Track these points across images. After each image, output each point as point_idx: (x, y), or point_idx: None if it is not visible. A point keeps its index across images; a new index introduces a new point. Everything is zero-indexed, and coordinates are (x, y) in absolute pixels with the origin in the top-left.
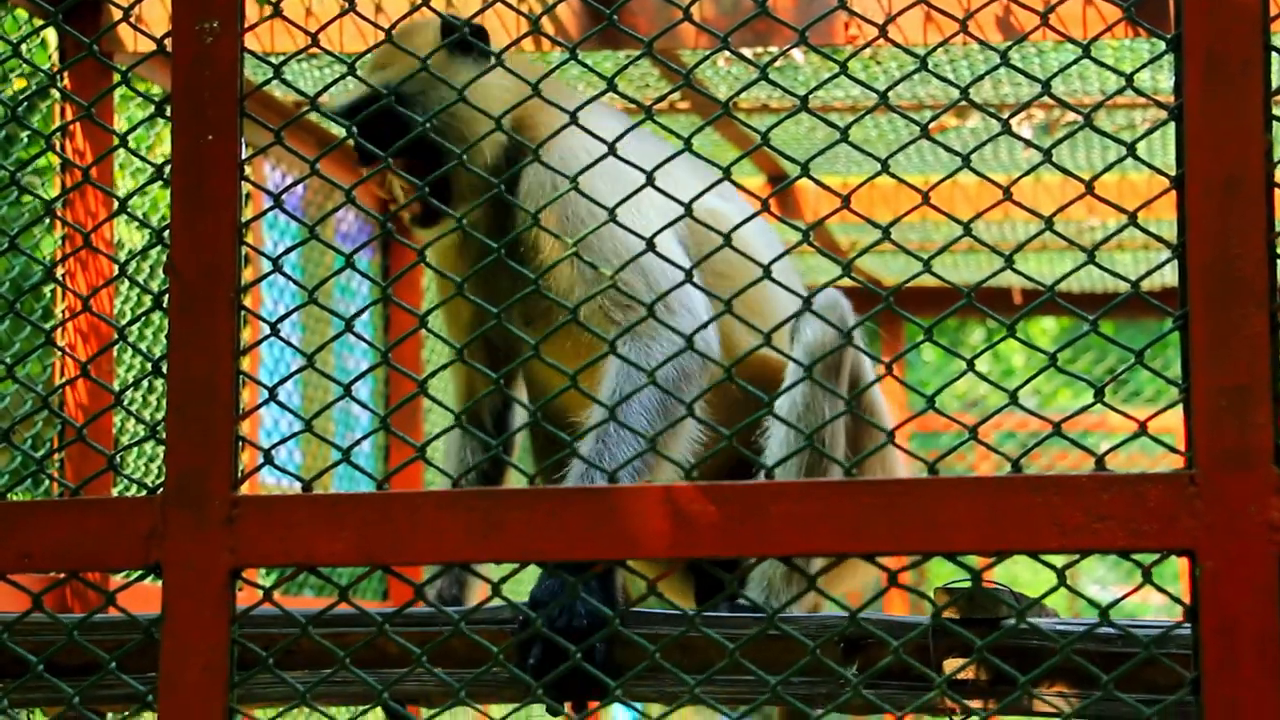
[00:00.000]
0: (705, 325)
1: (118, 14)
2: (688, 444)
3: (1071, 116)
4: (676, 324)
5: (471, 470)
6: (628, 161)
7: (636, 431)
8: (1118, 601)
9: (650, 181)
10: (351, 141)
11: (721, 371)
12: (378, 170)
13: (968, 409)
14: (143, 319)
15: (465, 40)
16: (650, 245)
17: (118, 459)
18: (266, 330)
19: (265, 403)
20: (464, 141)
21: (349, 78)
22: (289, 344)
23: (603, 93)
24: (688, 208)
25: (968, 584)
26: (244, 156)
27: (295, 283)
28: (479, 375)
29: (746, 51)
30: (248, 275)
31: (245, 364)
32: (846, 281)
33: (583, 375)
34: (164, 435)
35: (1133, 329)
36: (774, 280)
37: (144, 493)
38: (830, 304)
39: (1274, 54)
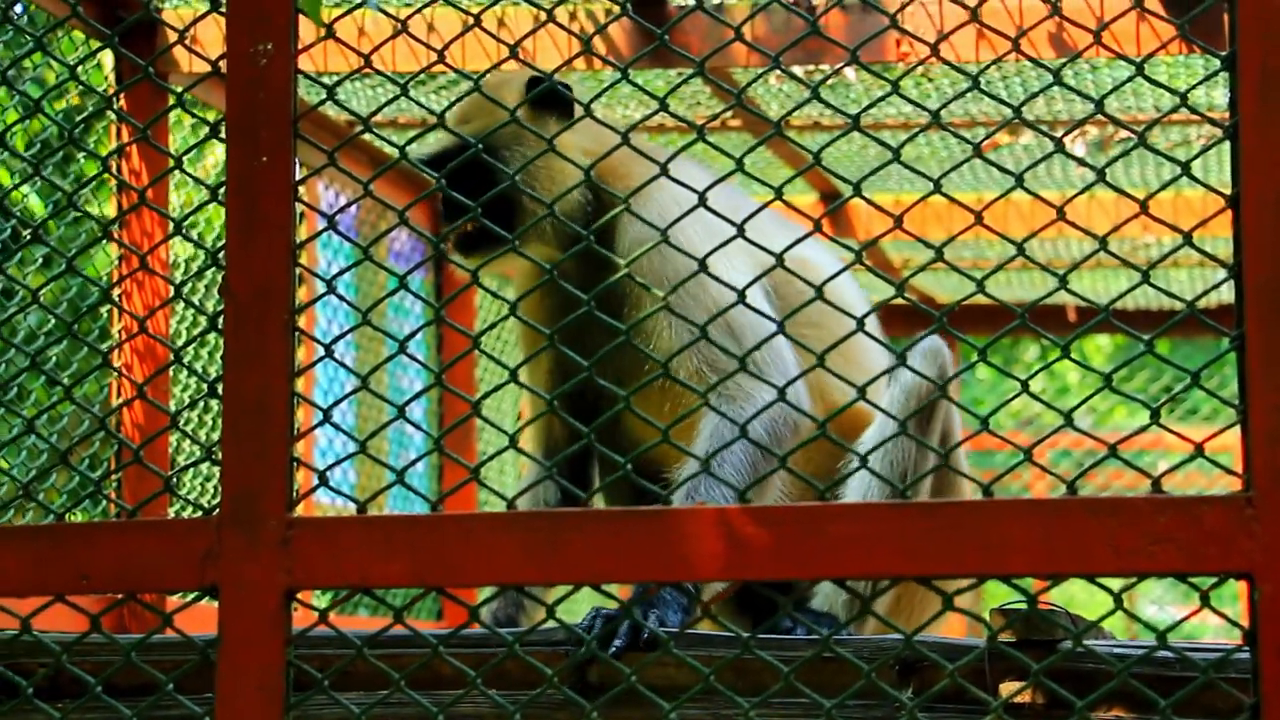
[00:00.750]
0: (795, 380)
1: (173, 36)
2: (775, 498)
3: (1125, 133)
4: (768, 381)
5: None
6: (719, 214)
7: (728, 484)
8: (1176, 625)
9: (741, 233)
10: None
11: (813, 424)
12: (465, 220)
13: (1022, 427)
14: (199, 339)
15: (549, 95)
16: (741, 298)
17: (174, 480)
18: (321, 351)
19: (320, 424)
20: (547, 193)
21: (432, 126)
22: (343, 365)
23: (655, 112)
24: (779, 259)
25: (1024, 606)
26: (298, 177)
27: (348, 303)
28: (558, 417)
29: (798, 69)
30: (302, 296)
31: (300, 385)
32: (900, 300)
33: (674, 429)
34: (219, 456)
35: (1189, 346)
36: (867, 334)
37: (200, 514)
38: (934, 351)
39: None
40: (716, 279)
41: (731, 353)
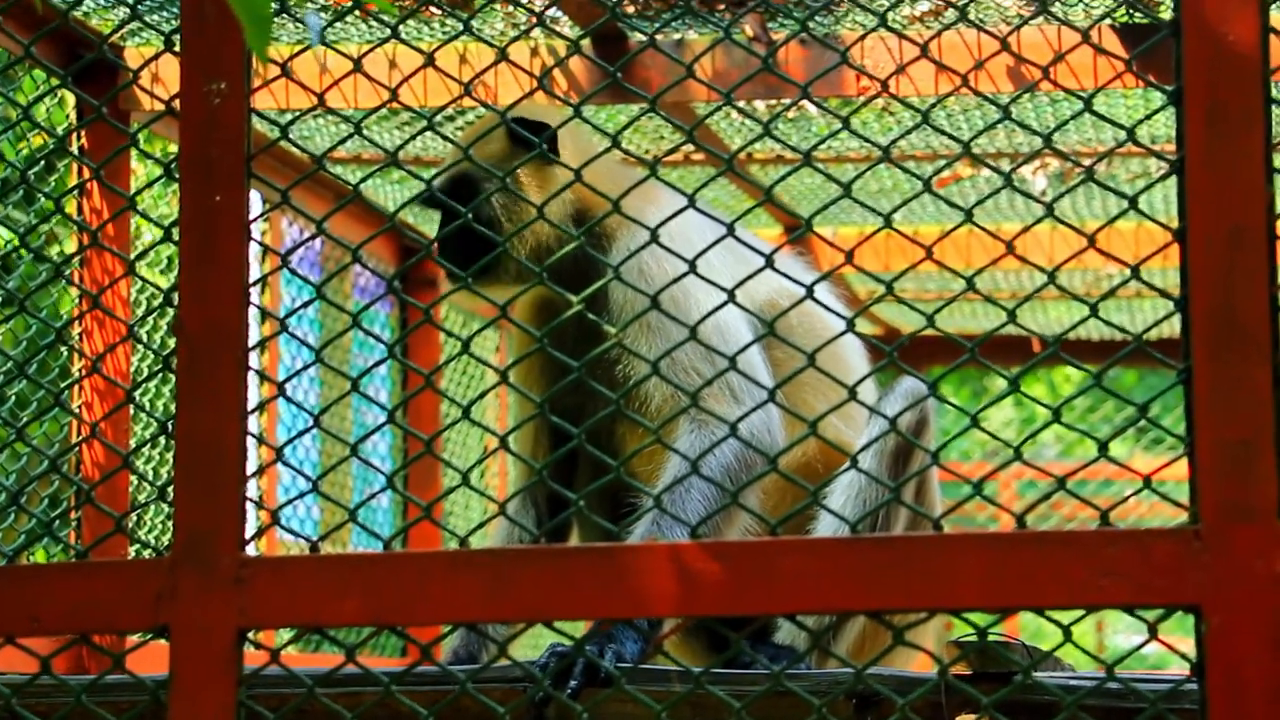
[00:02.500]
0: (750, 413)
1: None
2: (740, 531)
3: (1089, 162)
4: (740, 415)
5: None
6: (674, 254)
7: (684, 522)
8: (1124, 658)
9: (732, 298)
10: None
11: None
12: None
13: (990, 457)
14: (160, 378)
15: (533, 137)
16: (732, 364)
17: (133, 519)
18: (284, 388)
19: (273, 463)
20: (528, 232)
21: (458, 136)
22: (295, 403)
23: (607, 150)
24: (769, 327)
25: (987, 638)
26: (257, 214)
27: (302, 342)
28: (540, 451)
29: (760, 104)
30: (266, 331)
31: (262, 422)
32: (868, 329)
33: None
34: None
35: (1155, 377)
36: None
37: (155, 554)
38: (915, 392)
39: (1274, 106)
40: (705, 345)
41: (712, 397)
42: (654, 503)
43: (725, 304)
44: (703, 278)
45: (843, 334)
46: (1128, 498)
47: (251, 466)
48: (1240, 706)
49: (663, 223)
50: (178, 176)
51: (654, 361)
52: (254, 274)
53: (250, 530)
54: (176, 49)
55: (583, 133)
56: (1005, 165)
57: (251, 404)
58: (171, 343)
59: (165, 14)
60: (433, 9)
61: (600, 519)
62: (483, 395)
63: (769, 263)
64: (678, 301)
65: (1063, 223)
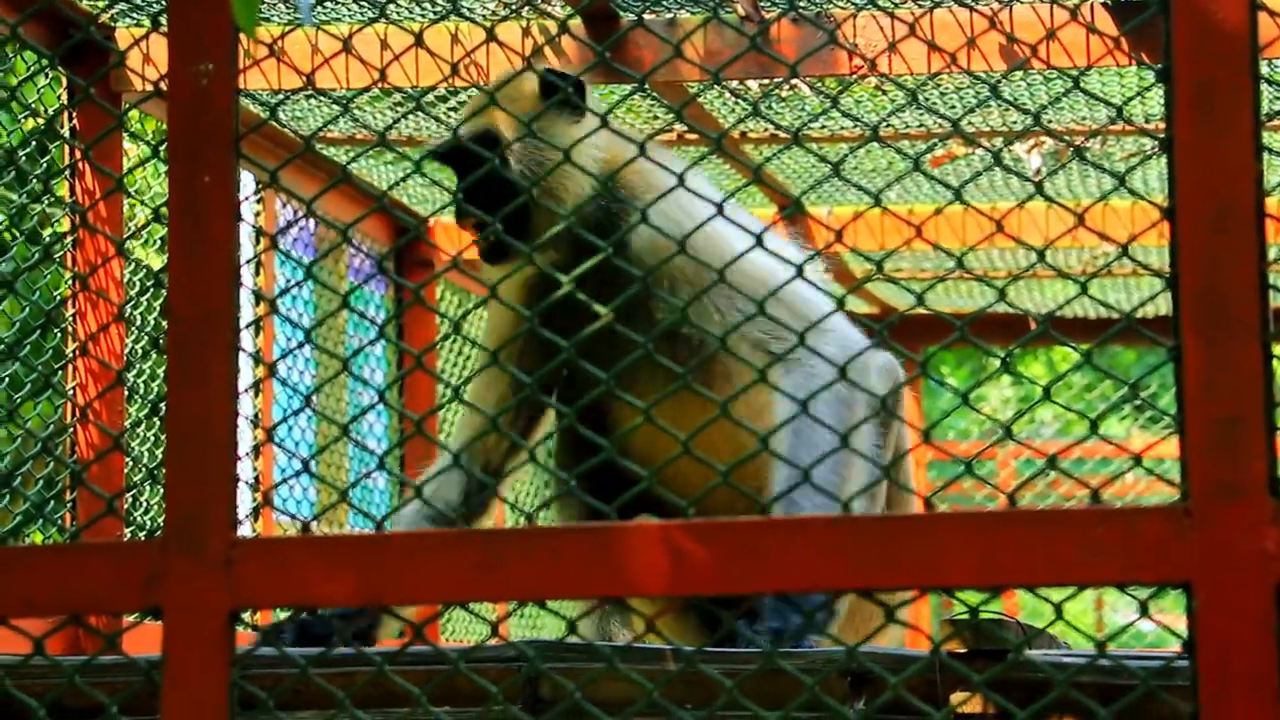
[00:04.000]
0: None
1: (128, 56)
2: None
3: (1079, 142)
4: (832, 344)
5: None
6: (735, 222)
7: (829, 494)
8: (1115, 635)
9: (760, 242)
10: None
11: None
12: (486, 234)
13: (989, 436)
14: (155, 359)
15: (560, 83)
16: (799, 272)
17: (126, 499)
18: (279, 369)
19: (264, 444)
20: (555, 191)
21: (451, 117)
22: (286, 384)
23: (597, 129)
24: (758, 239)
25: (992, 615)
26: (251, 193)
27: (292, 323)
28: (488, 419)
29: (753, 83)
30: (261, 312)
31: (258, 404)
32: (864, 308)
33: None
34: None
35: (1153, 355)
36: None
37: (148, 535)
38: (888, 368)
39: (1263, 84)
40: (771, 252)
41: (788, 324)
42: (803, 476)
43: (754, 247)
44: (734, 223)
45: (832, 313)
46: (1118, 476)
47: (246, 448)
48: (1229, 682)
49: (687, 168)
50: (165, 158)
51: (751, 312)
52: (247, 254)
53: (243, 511)
54: (165, 29)
55: (599, 100)
56: (1000, 144)
57: (245, 385)
58: (165, 323)
59: None
60: None
61: (587, 497)
62: (471, 377)
63: (759, 241)
64: (717, 248)
65: (1053, 201)
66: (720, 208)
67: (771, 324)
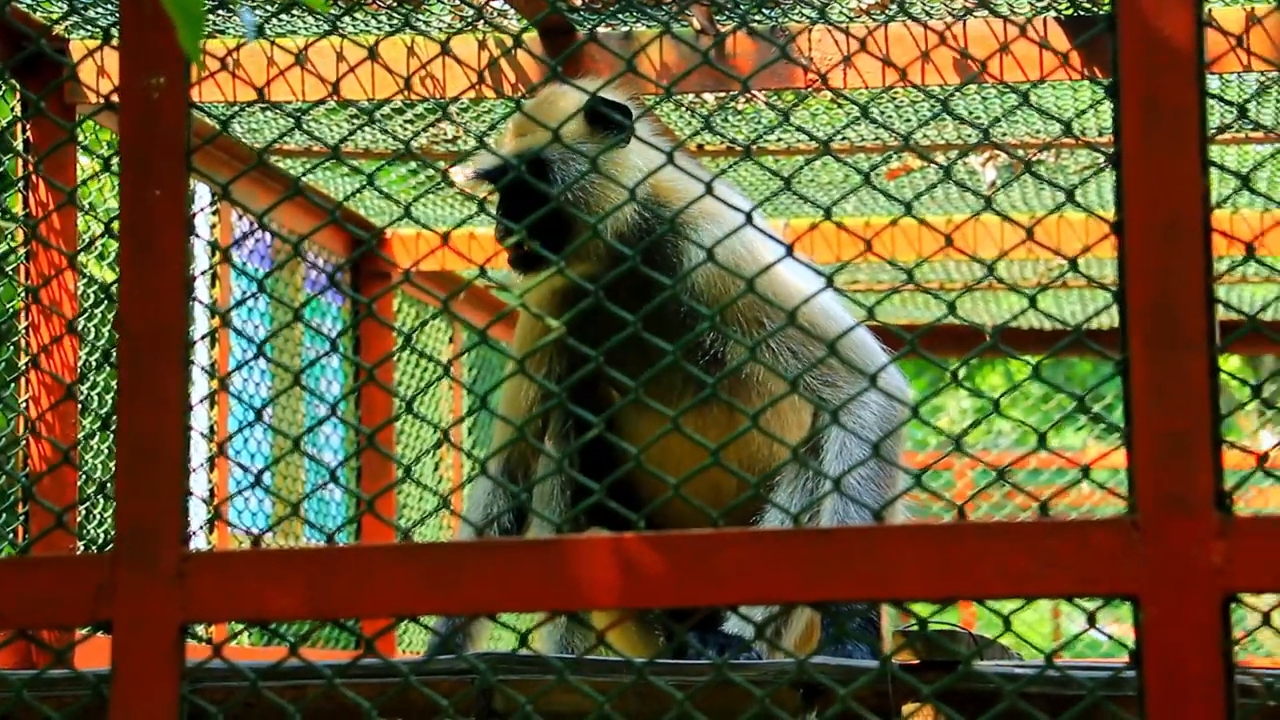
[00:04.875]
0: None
1: (86, 66)
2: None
3: (1038, 155)
4: (886, 384)
5: (494, 522)
6: (770, 235)
7: (866, 506)
8: (1065, 646)
9: (830, 284)
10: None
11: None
12: (512, 241)
13: (952, 449)
14: (107, 373)
15: (614, 115)
16: (871, 314)
17: (80, 513)
18: (234, 382)
19: (215, 457)
20: (598, 209)
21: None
22: (237, 398)
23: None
24: (829, 279)
25: (944, 627)
26: (201, 208)
27: (242, 335)
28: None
29: (710, 96)
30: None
31: (214, 417)
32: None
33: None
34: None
35: (1109, 366)
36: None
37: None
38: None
39: (1209, 99)
40: (839, 292)
41: (841, 366)
42: (833, 486)
43: (825, 289)
44: (797, 260)
45: (889, 364)
46: (1070, 487)
47: (200, 462)
48: (1176, 694)
49: (754, 207)
50: (117, 171)
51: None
52: (203, 267)
53: (195, 525)
54: (116, 43)
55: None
56: (954, 158)
57: (200, 399)
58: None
59: (108, 8)
60: (378, 2)
61: (620, 507)
62: (427, 388)
63: (829, 283)
64: (778, 288)
65: (1002, 215)
66: (790, 249)
67: (824, 367)
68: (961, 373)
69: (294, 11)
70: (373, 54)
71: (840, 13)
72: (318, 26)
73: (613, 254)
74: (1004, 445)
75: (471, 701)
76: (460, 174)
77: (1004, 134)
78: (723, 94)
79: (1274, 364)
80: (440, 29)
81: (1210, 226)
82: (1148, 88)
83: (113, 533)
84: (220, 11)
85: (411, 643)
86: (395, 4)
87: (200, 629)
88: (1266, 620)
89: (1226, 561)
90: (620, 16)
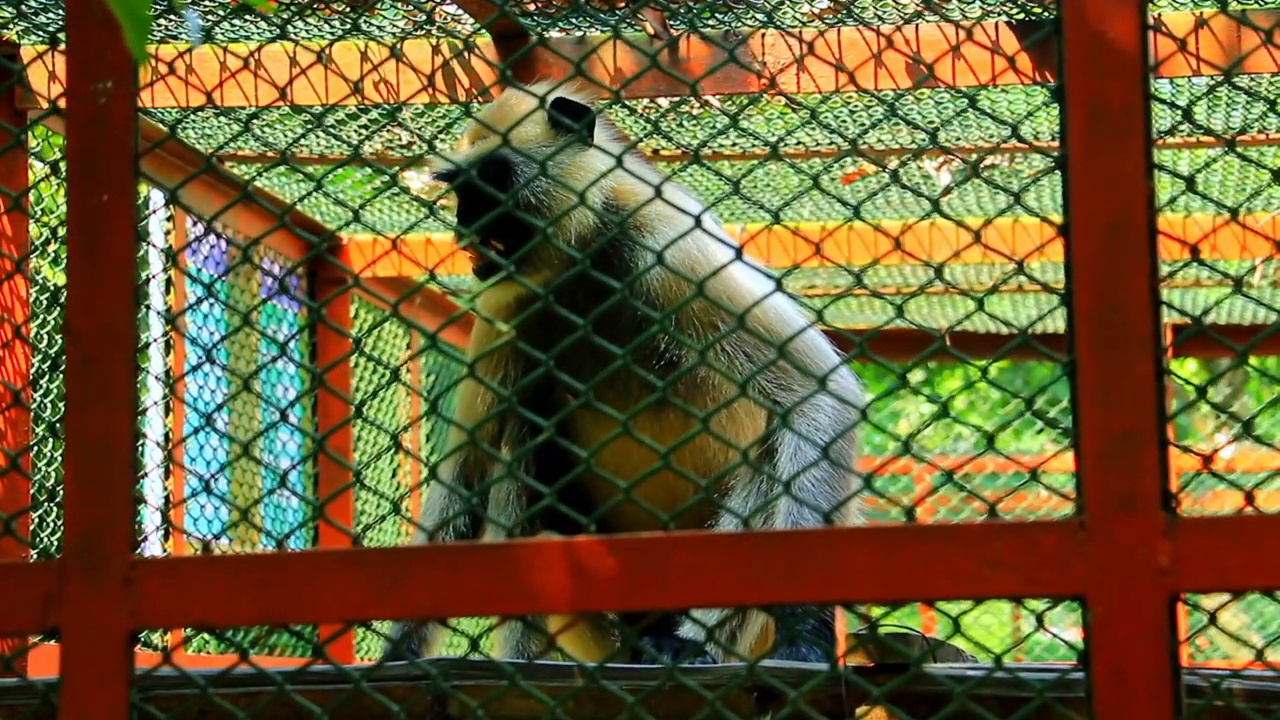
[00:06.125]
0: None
1: (34, 72)
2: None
3: (991, 159)
4: (832, 399)
5: (448, 526)
6: (720, 238)
7: (816, 508)
8: (1012, 648)
9: (739, 255)
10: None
11: None
12: (463, 244)
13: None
14: (59, 380)
15: (570, 115)
16: (821, 317)
17: (32, 520)
18: (188, 388)
19: (165, 463)
20: (568, 219)
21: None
22: (186, 404)
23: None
24: (778, 283)
25: (896, 629)
26: (151, 212)
27: (193, 341)
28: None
29: (664, 101)
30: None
31: (168, 423)
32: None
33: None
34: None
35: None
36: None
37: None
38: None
39: (1154, 103)
40: (792, 294)
41: (795, 369)
42: (784, 489)
43: (775, 291)
44: (748, 264)
45: (840, 365)
46: (1015, 489)
47: (154, 467)
48: (1124, 693)
49: (703, 211)
50: (64, 176)
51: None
52: (156, 271)
53: (150, 533)
54: (64, 48)
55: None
56: (905, 161)
57: (152, 404)
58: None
59: (58, 14)
60: (329, 7)
61: (571, 511)
62: (375, 394)
63: (779, 286)
64: (731, 291)
65: (950, 218)
66: (739, 251)
67: (778, 371)
68: (920, 378)
69: (246, 16)
70: (323, 58)
71: (792, 17)
72: (270, 31)
73: (574, 260)
74: (964, 449)
75: (425, 707)
76: (416, 179)
77: (957, 139)
78: (677, 97)
79: (1227, 366)
80: (392, 34)
81: (1156, 229)
82: (1092, 91)
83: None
84: (171, 16)
85: (369, 650)
86: (347, 8)
87: (155, 637)
88: (1213, 619)
89: (1173, 561)
90: (574, 20)
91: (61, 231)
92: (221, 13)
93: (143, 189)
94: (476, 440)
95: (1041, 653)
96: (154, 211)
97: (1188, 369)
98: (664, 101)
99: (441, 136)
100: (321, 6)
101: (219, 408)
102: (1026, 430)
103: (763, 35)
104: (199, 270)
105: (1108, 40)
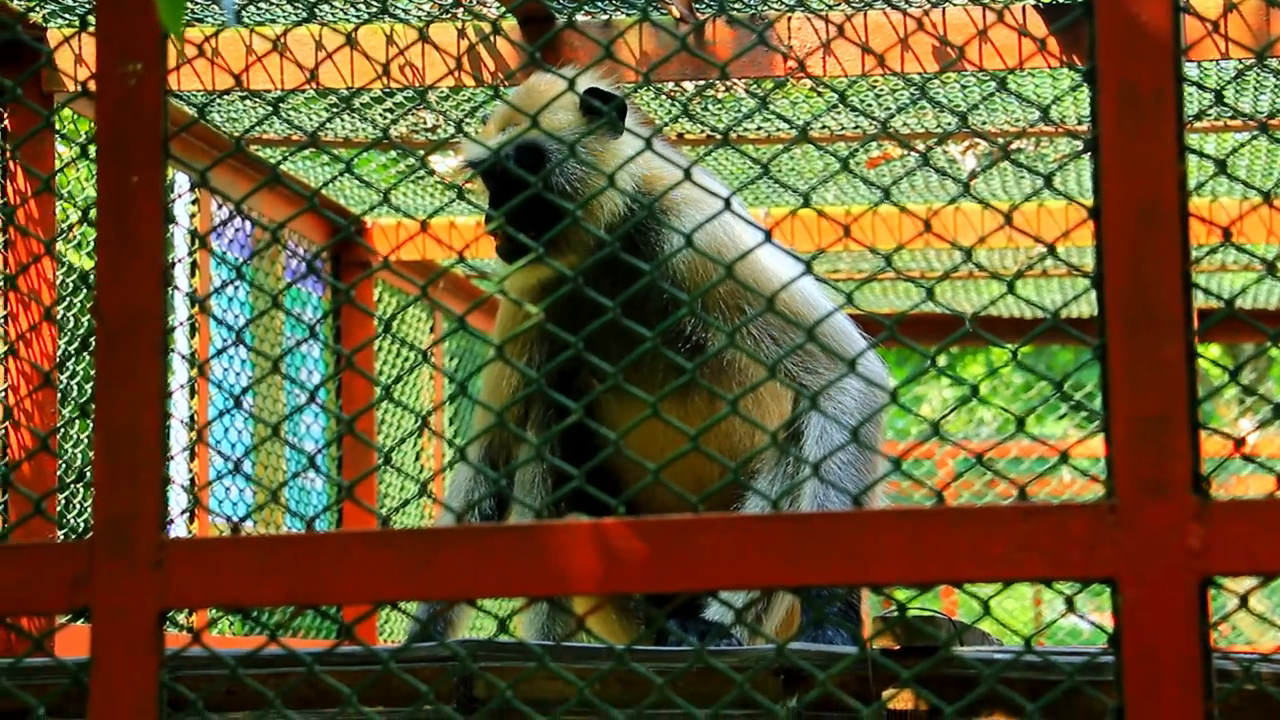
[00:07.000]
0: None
1: (65, 54)
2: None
3: (1017, 144)
4: (859, 382)
5: (475, 509)
6: (751, 222)
7: (844, 490)
8: (1043, 630)
9: (768, 238)
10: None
11: None
12: (490, 229)
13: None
14: (86, 361)
15: (601, 106)
16: (850, 300)
17: (60, 501)
18: (214, 370)
19: (194, 445)
20: (596, 203)
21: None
22: (216, 384)
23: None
24: (808, 265)
25: (923, 612)
26: (179, 195)
27: (221, 323)
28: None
29: (690, 84)
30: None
31: (194, 405)
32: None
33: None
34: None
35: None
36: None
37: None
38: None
39: (1186, 85)
40: (819, 278)
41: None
42: (812, 470)
43: (804, 274)
44: (778, 248)
45: (867, 349)
46: (1044, 473)
47: (180, 449)
48: (1154, 676)
49: (732, 193)
50: (94, 159)
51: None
52: (182, 254)
53: (176, 514)
54: (93, 29)
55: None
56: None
57: (179, 386)
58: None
59: None
60: None
61: (599, 493)
62: (401, 377)
63: (808, 268)
64: (758, 274)
65: (982, 202)
66: (769, 235)
67: (804, 354)
68: (943, 361)
69: None
70: (351, 41)
71: (820, 0)
72: (296, 14)
73: (603, 244)
74: (986, 434)
75: (452, 688)
76: (442, 162)
77: (984, 122)
78: (703, 80)
79: (1254, 351)
80: (419, 17)
81: (1188, 212)
82: (1125, 73)
83: (92, 520)
84: None
85: (394, 633)
86: None
87: (181, 617)
88: (1244, 602)
89: (1203, 545)
90: (600, 4)
91: (83, 214)
92: None
93: (169, 172)
94: (505, 422)
95: (1064, 637)
96: (180, 195)
97: (1211, 353)
98: (689, 85)
99: (468, 120)
100: None
101: (246, 390)
102: (1049, 415)
103: (789, 18)
104: (224, 254)
105: (1140, 23)
